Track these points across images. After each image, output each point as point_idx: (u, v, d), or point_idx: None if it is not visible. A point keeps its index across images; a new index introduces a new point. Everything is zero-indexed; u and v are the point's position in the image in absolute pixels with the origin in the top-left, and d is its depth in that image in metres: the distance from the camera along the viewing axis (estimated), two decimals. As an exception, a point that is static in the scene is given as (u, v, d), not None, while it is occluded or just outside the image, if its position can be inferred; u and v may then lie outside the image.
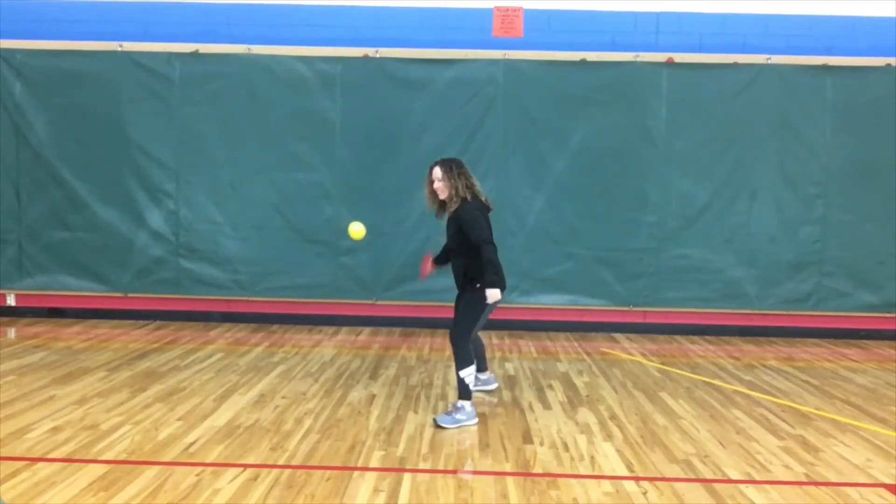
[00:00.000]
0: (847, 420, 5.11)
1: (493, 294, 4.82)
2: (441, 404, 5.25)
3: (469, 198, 4.94)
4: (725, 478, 4.01)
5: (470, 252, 4.90)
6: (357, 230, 5.17)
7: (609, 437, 4.65)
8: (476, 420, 4.82)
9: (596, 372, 6.33)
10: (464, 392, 4.85)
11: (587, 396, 5.57)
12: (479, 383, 5.49)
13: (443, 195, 4.98)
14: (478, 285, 4.87)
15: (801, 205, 7.83)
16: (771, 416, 5.14)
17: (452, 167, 4.98)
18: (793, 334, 7.93)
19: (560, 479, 3.94)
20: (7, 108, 7.91)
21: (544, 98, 7.79)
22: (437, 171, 4.98)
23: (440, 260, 5.31)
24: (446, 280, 8.10)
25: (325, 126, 7.86)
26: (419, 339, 7.53)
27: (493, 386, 5.60)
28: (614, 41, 7.91)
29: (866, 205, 7.78)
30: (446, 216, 5.08)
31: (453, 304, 5.23)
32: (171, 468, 3.94)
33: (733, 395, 5.67)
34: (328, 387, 5.66)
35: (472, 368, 4.90)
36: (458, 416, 4.76)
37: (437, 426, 4.70)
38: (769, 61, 7.74)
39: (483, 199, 5.03)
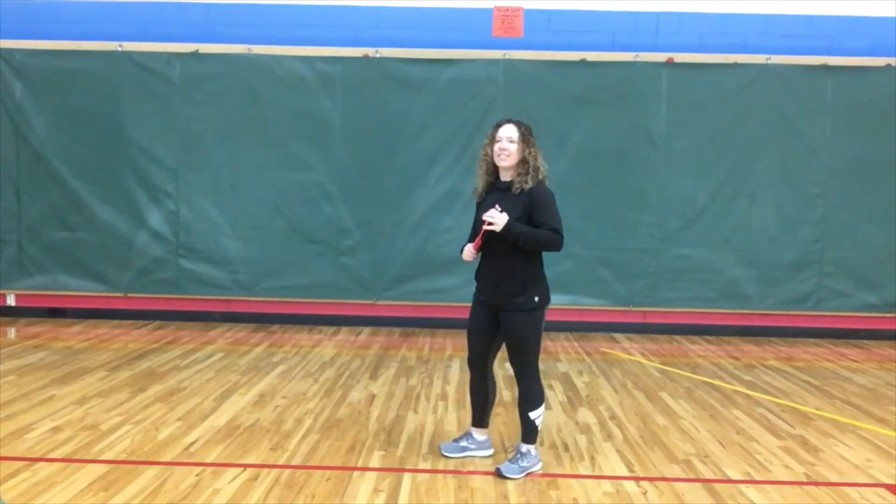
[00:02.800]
0: (847, 420, 5.11)
1: (503, 218, 3.84)
2: (441, 404, 5.25)
3: (542, 179, 3.97)
4: (725, 478, 4.01)
5: (524, 253, 3.94)
6: None
7: (609, 437, 4.65)
8: (540, 465, 4.05)
9: (596, 372, 6.33)
10: (532, 436, 4.03)
11: (587, 396, 5.57)
12: (473, 447, 4.25)
13: (509, 161, 3.92)
14: (536, 298, 3.97)
15: (801, 205, 7.83)
16: (771, 416, 5.14)
17: (531, 131, 3.98)
18: (793, 334, 7.92)
19: (560, 479, 3.94)
20: (7, 108, 7.90)
21: (544, 98, 7.78)
22: (513, 130, 3.94)
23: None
24: (447, 280, 8.03)
25: (325, 126, 7.86)
26: (419, 339, 7.53)
27: (489, 453, 4.28)
28: (614, 41, 7.91)
29: (866, 205, 7.78)
30: (486, 200, 4.02)
31: (471, 314, 4.19)
32: (171, 468, 3.94)
33: (733, 395, 5.67)
34: (328, 387, 5.66)
35: (543, 408, 4.07)
36: (524, 464, 3.97)
37: (501, 476, 3.91)
38: (769, 61, 7.74)
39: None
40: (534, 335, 3.99)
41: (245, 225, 7.96)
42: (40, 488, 3.65)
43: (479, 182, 4.14)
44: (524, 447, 4.03)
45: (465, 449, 4.25)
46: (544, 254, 4.10)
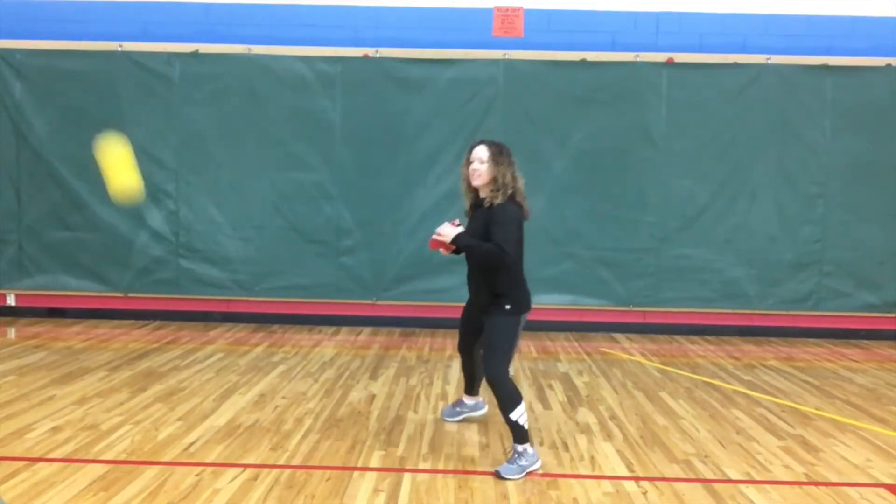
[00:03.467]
0: (847, 420, 5.11)
1: (449, 233, 4.11)
2: (441, 404, 5.25)
3: (512, 194, 4.17)
4: (725, 478, 4.02)
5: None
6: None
7: (609, 437, 4.65)
8: (539, 463, 4.10)
9: (596, 372, 6.33)
10: (521, 435, 4.08)
11: (587, 396, 5.57)
12: (468, 409, 4.87)
13: (480, 180, 4.17)
14: (508, 307, 4.17)
15: (801, 205, 7.83)
16: (771, 416, 5.14)
17: (502, 150, 4.21)
18: (793, 334, 7.92)
19: (560, 479, 3.94)
20: (7, 108, 7.90)
21: (544, 98, 7.78)
22: (483, 151, 4.18)
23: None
24: (447, 280, 8.04)
25: (325, 126, 7.86)
26: (419, 339, 7.52)
27: (484, 410, 4.92)
28: (614, 41, 7.91)
29: (866, 205, 7.78)
30: (475, 213, 4.29)
31: (464, 307, 4.62)
32: (171, 468, 3.94)
33: (733, 395, 5.67)
34: (328, 387, 5.66)
35: (523, 406, 4.13)
36: (522, 463, 4.03)
37: (500, 478, 3.95)
38: (769, 61, 7.74)
39: (524, 203, 4.25)
40: (504, 339, 4.20)
41: (245, 225, 7.96)
42: (40, 488, 3.65)
43: (466, 200, 4.40)
44: (518, 447, 4.08)
45: (460, 413, 4.88)
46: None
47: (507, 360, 4.24)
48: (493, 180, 4.16)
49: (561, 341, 7.58)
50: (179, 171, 7.94)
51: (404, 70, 7.81)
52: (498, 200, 4.12)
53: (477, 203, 4.29)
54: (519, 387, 5.71)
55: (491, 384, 4.18)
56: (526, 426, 4.11)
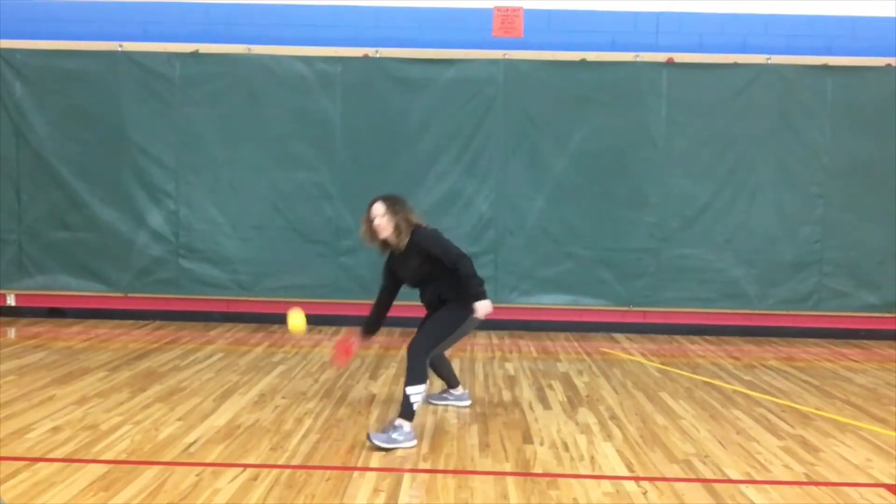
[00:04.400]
0: (847, 420, 5.11)
1: (485, 306, 4.48)
2: (441, 404, 5.24)
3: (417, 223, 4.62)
4: (725, 478, 4.01)
5: (443, 276, 4.58)
6: (296, 322, 4.81)
7: (609, 437, 4.65)
8: (414, 442, 4.32)
9: (596, 372, 6.33)
10: (407, 412, 4.37)
11: (587, 396, 5.57)
12: (453, 398, 5.17)
13: (385, 233, 4.59)
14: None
15: (801, 205, 7.83)
16: (771, 416, 5.14)
17: (396, 200, 4.66)
18: (793, 334, 7.93)
19: (560, 479, 3.93)
20: (7, 108, 7.91)
21: (544, 98, 7.79)
22: (379, 207, 4.61)
23: (372, 327, 4.93)
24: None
25: (325, 126, 7.86)
26: (419, 339, 7.51)
27: (467, 403, 5.18)
28: (614, 41, 7.91)
29: (866, 205, 7.78)
30: (393, 254, 4.72)
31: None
32: (171, 468, 3.94)
33: (733, 395, 5.67)
34: (328, 387, 5.66)
35: (423, 388, 4.43)
36: (394, 436, 4.28)
37: (371, 443, 4.25)
38: (769, 61, 7.74)
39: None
40: (445, 323, 4.60)
41: (245, 225, 7.96)
42: (40, 488, 3.65)
43: (372, 243, 4.75)
44: (397, 420, 4.36)
45: (445, 399, 5.16)
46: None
47: (435, 345, 4.61)
48: (395, 228, 4.57)
49: (561, 341, 7.58)
50: (179, 171, 7.94)
51: (404, 70, 7.81)
52: (404, 242, 4.57)
53: (391, 248, 4.70)
54: (519, 387, 5.76)
55: (408, 355, 4.50)
56: (415, 407, 4.39)
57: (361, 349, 5.10)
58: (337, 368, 5.55)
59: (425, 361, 4.52)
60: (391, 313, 7.99)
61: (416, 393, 4.39)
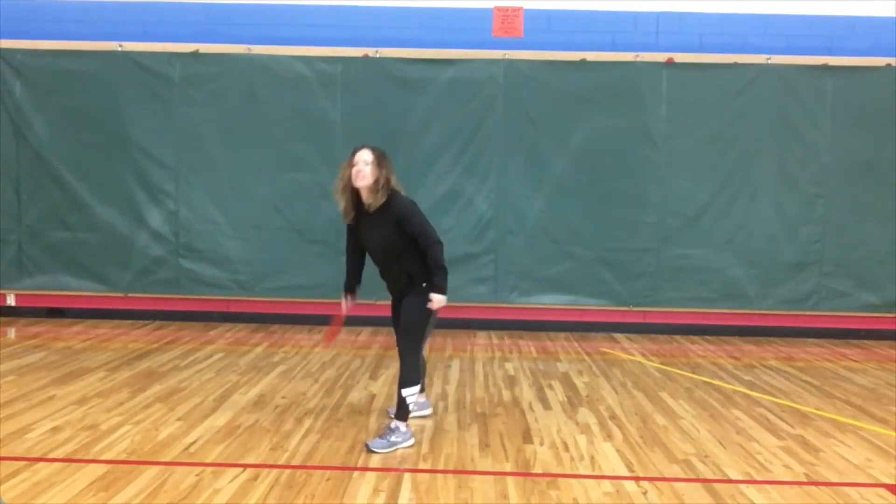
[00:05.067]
0: (847, 420, 5.11)
1: (441, 301, 4.34)
2: (441, 404, 5.25)
3: (394, 190, 4.37)
4: (725, 478, 4.01)
5: (411, 252, 4.39)
6: None
7: (609, 437, 4.65)
8: (412, 441, 4.37)
9: (596, 372, 6.33)
10: (402, 413, 4.38)
11: (587, 396, 5.57)
12: (415, 407, 4.75)
13: (364, 181, 4.30)
14: (424, 284, 4.40)
15: (801, 205, 7.83)
16: (771, 416, 5.14)
17: (385, 155, 4.43)
18: (793, 334, 7.92)
19: (560, 479, 3.94)
20: (7, 108, 7.91)
21: (544, 98, 7.79)
22: (367, 154, 4.36)
23: (354, 285, 4.76)
24: (449, 280, 7.97)
25: (325, 126, 7.86)
26: (419, 339, 7.51)
27: (427, 412, 4.98)
28: (614, 41, 7.91)
29: (866, 205, 7.78)
30: (360, 216, 4.44)
31: (392, 316, 4.75)
32: (171, 468, 3.94)
33: (733, 395, 5.67)
34: (328, 387, 5.66)
35: (417, 388, 4.43)
36: (392, 439, 4.29)
37: (370, 451, 4.23)
38: (769, 61, 7.74)
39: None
40: (419, 315, 4.43)
41: (245, 225, 7.96)
42: (40, 488, 3.65)
43: (340, 203, 4.48)
44: (394, 423, 4.36)
45: (393, 444, 4.61)
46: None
47: (422, 337, 4.50)
48: (375, 181, 4.33)
49: (561, 341, 7.58)
50: (179, 170, 7.94)
51: (404, 70, 7.81)
52: (378, 201, 4.32)
53: (357, 206, 4.43)
54: (519, 387, 5.76)
55: (400, 357, 4.47)
56: (411, 408, 4.42)
57: (355, 320, 4.85)
58: (323, 348, 5.50)
59: (417, 361, 4.50)
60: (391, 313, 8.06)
61: (411, 394, 4.40)
